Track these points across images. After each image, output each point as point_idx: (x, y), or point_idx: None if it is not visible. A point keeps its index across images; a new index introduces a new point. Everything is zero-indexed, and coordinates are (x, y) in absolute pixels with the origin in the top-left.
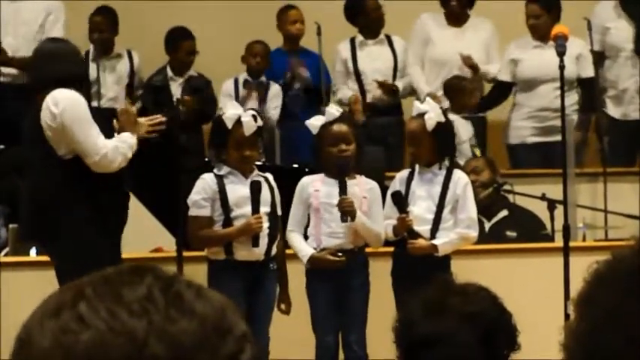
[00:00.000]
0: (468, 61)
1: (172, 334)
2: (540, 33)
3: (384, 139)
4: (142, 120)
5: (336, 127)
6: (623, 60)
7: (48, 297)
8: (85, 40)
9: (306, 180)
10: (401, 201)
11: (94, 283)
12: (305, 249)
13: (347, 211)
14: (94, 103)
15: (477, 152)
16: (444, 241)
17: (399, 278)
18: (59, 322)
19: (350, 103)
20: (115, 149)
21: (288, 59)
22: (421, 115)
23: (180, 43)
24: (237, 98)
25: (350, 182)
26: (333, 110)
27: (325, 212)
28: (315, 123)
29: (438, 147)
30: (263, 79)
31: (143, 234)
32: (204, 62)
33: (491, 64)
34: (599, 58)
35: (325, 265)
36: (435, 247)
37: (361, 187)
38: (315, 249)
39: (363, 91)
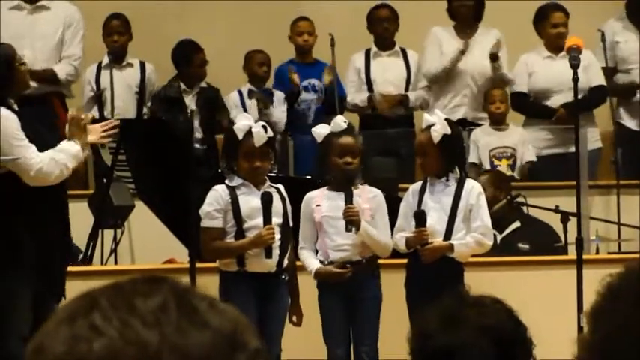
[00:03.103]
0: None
1: (184, 346)
2: (563, 42)
3: (396, 150)
4: (94, 126)
5: (343, 140)
6: (637, 72)
7: (63, 305)
8: (94, 49)
9: (309, 195)
10: (422, 220)
11: (109, 293)
12: (312, 263)
13: (352, 220)
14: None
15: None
16: (460, 242)
17: (413, 289)
18: (73, 329)
19: (372, 101)
20: (51, 161)
21: (299, 70)
22: (429, 128)
23: (192, 57)
24: (244, 109)
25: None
26: (340, 121)
27: (328, 226)
28: (320, 131)
29: (444, 158)
30: (267, 87)
31: (156, 245)
32: (215, 73)
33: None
34: (612, 72)
35: (331, 277)
36: (450, 245)
37: (364, 196)
38: (323, 262)
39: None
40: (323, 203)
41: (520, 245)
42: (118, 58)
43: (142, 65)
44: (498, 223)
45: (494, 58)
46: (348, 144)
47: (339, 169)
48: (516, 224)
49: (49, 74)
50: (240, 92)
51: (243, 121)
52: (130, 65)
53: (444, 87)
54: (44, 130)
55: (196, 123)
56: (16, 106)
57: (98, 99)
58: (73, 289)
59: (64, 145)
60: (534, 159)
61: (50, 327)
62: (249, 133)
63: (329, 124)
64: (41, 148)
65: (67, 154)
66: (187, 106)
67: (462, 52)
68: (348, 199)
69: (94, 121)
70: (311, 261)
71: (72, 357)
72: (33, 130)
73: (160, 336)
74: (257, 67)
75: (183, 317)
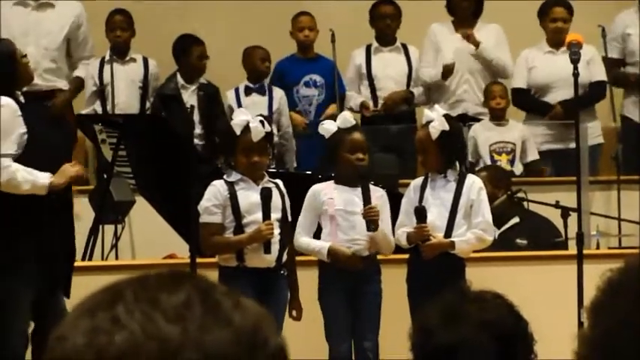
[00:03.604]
0: (470, 38)
1: (206, 343)
2: (562, 37)
3: (397, 146)
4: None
5: (354, 136)
6: None
7: (86, 296)
8: (97, 45)
9: (317, 187)
10: (422, 217)
11: (133, 287)
12: (320, 244)
13: (373, 220)
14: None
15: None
16: (460, 239)
17: (414, 285)
18: (94, 321)
19: (362, 107)
20: (14, 172)
21: (300, 66)
22: (428, 124)
23: (190, 48)
24: (240, 107)
25: (359, 191)
26: (348, 117)
27: (343, 220)
28: (329, 127)
29: (443, 154)
30: (264, 83)
31: (156, 240)
32: (217, 70)
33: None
34: (619, 64)
35: (343, 258)
36: (452, 243)
37: (373, 195)
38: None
39: (375, 96)
40: (335, 196)
41: (518, 241)
42: (120, 53)
43: (145, 61)
44: (498, 218)
45: (475, 43)
46: (359, 140)
47: (351, 165)
48: (515, 220)
49: (79, 83)
50: (236, 90)
51: (241, 116)
52: (133, 60)
53: (443, 87)
54: (45, 127)
55: (196, 118)
56: (22, 99)
57: (101, 94)
58: (74, 284)
59: (42, 174)
60: (537, 157)
61: (72, 318)
62: (246, 128)
63: (334, 120)
64: (41, 144)
65: (33, 178)
66: (186, 102)
67: (445, 76)
68: (366, 198)
69: (96, 116)
70: (317, 243)
71: (92, 349)
72: (33, 126)
73: (182, 332)
74: (259, 62)
75: (206, 314)
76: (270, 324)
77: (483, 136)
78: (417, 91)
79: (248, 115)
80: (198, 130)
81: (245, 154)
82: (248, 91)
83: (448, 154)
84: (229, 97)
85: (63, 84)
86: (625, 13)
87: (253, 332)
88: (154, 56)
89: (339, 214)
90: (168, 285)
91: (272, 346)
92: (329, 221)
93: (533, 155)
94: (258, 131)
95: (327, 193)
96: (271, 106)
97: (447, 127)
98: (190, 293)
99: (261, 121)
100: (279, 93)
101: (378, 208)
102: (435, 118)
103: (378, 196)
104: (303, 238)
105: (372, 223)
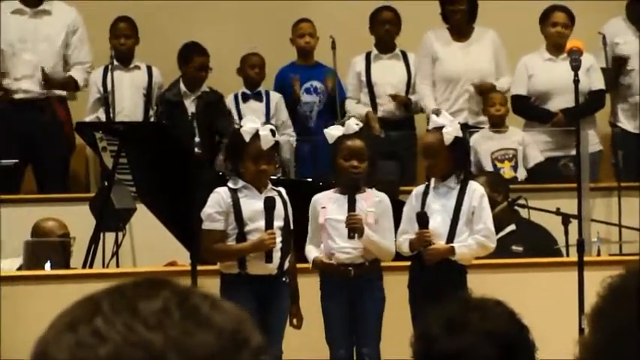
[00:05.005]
0: (478, 89)
1: (189, 347)
2: (562, 43)
3: (396, 153)
4: None
5: (350, 142)
6: (635, 73)
7: (64, 311)
8: (100, 52)
9: (316, 197)
10: (424, 222)
11: (110, 297)
12: (312, 256)
13: (354, 228)
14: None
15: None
16: (461, 244)
17: (416, 291)
18: (76, 336)
19: (367, 120)
20: None
21: (300, 73)
22: (438, 129)
23: (191, 58)
24: (238, 114)
25: (357, 196)
26: (353, 124)
27: (331, 228)
28: (332, 132)
29: (453, 161)
30: (260, 89)
31: (157, 248)
32: (222, 78)
33: (502, 77)
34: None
35: (329, 269)
36: (452, 249)
37: (369, 200)
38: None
39: (374, 103)
40: (328, 206)
41: (514, 248)
42: (124, 60)
43: (149, 69)
44: (497, 226)
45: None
46: (356, 147)
47: (345, 172)
48: (511, 227)
49: (71, 81)
50: (235, 96)
51: (250, 123)
52: (138, 68)
53: (444, 92)
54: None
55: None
56: None
57: (105, 101)
58: (75, 292)
59: None
60: (541, 159)
61: (52, 334)
62: (256, 136)
63: (342, 125)
64: None
65: None
66: (188, 109)
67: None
68: (351, 206)
69: (96, 124)
70: (312, 254)
71: None
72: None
73: (165, 338)
74: (249, 69)
75: (185, 318)
76: (250, 324)
77: (484, 145)
78: (415, 97)
79: (257, 122)
80: (196, 138)
81: (254, 162)
82: (245, 98)
83: (457, 160)
84: (228, 104)
85: (59, 91)
86: (613, 21)
87: (234, 332)
88: (157, 63)
89: (328, 223)
90: (144, 292)
91: (254, 345)
92: (322, 230)
93: (536, 159)
94: (268, 139)
95: (321, 203)
96: (269, 112)
97: (460, 133)
98: (168, 298)
99: (271, 130)
100: (275, 97)
101: (377, 212)
102: (446, 124)
103: (377, 200)
104: (307, 247)
105: (352, 230)
